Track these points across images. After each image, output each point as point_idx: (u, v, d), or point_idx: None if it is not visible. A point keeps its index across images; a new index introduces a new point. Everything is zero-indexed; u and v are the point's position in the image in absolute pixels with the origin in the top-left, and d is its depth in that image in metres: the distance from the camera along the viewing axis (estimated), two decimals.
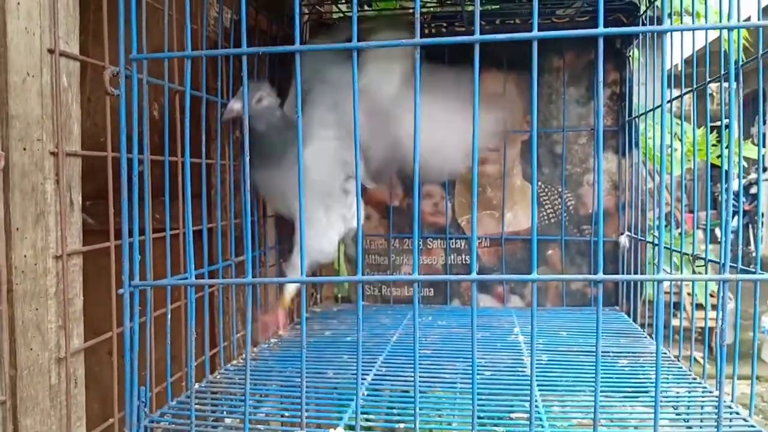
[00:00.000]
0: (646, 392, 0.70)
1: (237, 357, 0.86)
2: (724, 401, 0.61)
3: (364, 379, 0.74)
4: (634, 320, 1.08)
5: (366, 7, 1.31)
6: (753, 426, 0.60)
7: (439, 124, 0.85)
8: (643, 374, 0.78)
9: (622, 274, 1.15)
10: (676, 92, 0.88)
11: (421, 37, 0.51)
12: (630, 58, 1.16)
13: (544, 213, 1.21)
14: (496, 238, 1.20)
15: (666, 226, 1.23)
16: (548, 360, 0.83)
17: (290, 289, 0.90)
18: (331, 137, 0.89)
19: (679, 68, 0.82)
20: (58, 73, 0.55)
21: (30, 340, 0.52)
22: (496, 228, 1.20)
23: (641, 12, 1.09)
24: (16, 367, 0.51)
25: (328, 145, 0.88)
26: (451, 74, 0.89)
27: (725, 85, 0.66)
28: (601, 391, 0.66)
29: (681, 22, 1.27)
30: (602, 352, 0.87)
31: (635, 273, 1.11)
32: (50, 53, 0.54)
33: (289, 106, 0.90)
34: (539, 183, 1.20)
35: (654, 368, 0.52)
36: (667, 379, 0.77)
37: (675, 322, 0.90)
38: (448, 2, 1.14)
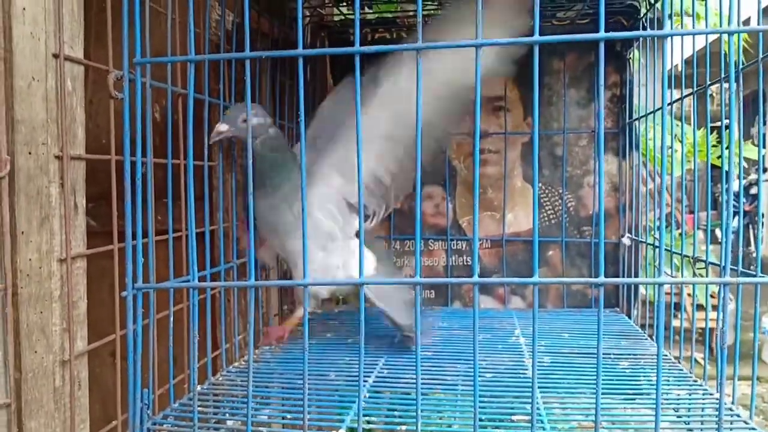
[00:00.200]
0: (647, 394, 0.70)
1: (239, 359, 0.86)
2: (725, 403, 0.62)
3: (366, 381, 0.74)
4: (634, 322, 1.09)
5: (367, 9, 1.31)
6: (754, 428, 0.60)
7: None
8: (644, 376, 0.78)
9: (623, 275, 1.15)
10: (676, 93, 0.88)
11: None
12: (630, 60, 1.17)
13: (545, 214, 1.21)
14: (497, 240, 1.21)
15: (666, 227, 1.24)
16: (549, 362, 0.83)
17: (299, 314, 0.86)
18: (336, 179, 0.83)
19: (680, 69, 0.82)
20: (63, 78, 0.55)
21: (34, 343, 0.53)
22: (497, 229, 1.21)
23: (641, 15, 1.09)
24: (21, 370, 0.51)
25: (332, 190, 0.83)
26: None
27: (725, 85, 0.66)
28: (602, 394, 0.67)
29: (681, 23, 1.27)
30: (603, 354, 0.87)
31: (636, 274, 1.12)
32: (55, 58, 0.55)
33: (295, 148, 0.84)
34: (540, 184, 1.21)
35: (655, 370, 0.52)
36: (668, 381, 0.77)
37: (675, 322, 0.90)
38: (449, 4, 1.14)
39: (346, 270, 0.85)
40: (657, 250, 0.88)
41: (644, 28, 1.07)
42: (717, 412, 0.56)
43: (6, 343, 0.50)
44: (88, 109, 0.68)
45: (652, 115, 1.01)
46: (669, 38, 0.54)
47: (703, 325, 0.89)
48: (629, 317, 1.11)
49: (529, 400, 0.52)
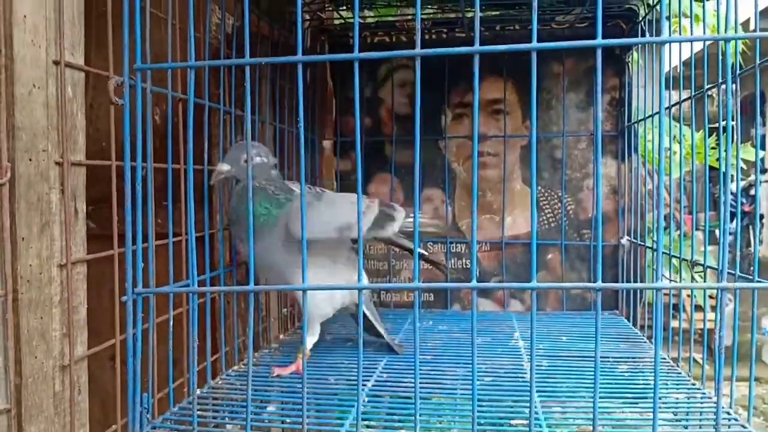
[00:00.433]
0: (646, 398, 0.71)
1: (238, 362, 0.86)
2: (723, 407, 0.62)
3: (365, 385, 0.74)
4: (634, 324, 1.09)
5: (367, 12, 1.31)
6: None
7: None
8: (643, 380, 0.78)
9: (622, 278, 1.15)
10: (675, 94, 0.89)
11: (421, 43, 0.52)
12: (629, 64, 1.17)
13: (544, 217, 1.21)
14: (497, 242, 1.21)
15: (665, 228, 1.24)
16: (548, 365, 0.84)
17: (309, 345, 0.83)
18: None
19: (680, 70, 0.83)
20: (64, 84, 0.55)
21: (35, 348, 0.53)
22: (497, 232, 1.21)
23: (640, 18, 1.09)
24: (21, 376, 0.51)
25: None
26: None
27: (723, 88, 0.66)
28: (601, 397, 0.67)
29: (680, 25, 1.27)
30: (602, 357, 0.87)
31: (635, 277, 1.12)
32: (56, 65, 0.55)
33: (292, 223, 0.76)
34: (539, 187, 1.21)
35: (654, 374, 0.52)
36: (667, 384, 0.77)
37: (675, 323, 0.90)
38: (448, 8, 1.14)
39: (351, 296, 0.85)
40: (656, 253, 0.88)
41: (643, 32, 1.07)
42: (715, 416, 0.56)
43: (6, 348, 0.50)
44: (89, 113, 0.68)
45: (651, 118, 1.01)
46: (666, 44, 0.54)
47: (702, 326, 0.89)
48: (629, 320, 1.11)
49: (528, 404, 0.52)
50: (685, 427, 0.66)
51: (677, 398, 0.73)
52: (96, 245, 0.63)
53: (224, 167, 0.74)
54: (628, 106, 1.16)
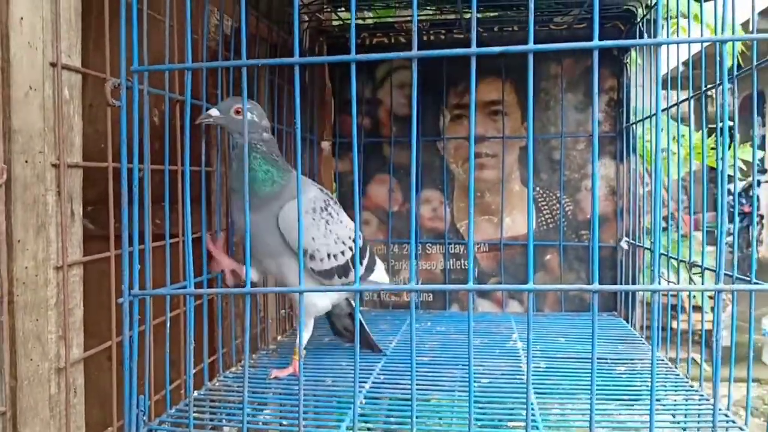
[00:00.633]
0: (644, 400, 0.70)
1: (236, 364, 0.86)
2: (720, 409, 0.62)
3: (363, 386, 0.74)
4: (632, 325, 1.09)
5: (366, 13, 1.31)
6: None
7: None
8: (641, 381, 0.78)
9: (621, 279, 1.15)
10: (673, 94, 0.88)
11: (419, 44, 0.51)
12: (627, 65, 1.17)
13: (543, 218, 1.21)
14: (495, 243, 1.21)
15: (664, 229, 1.24)
16: (546, 367, 0.84)
17: (304, 342, 0.82)
18: None
19: (678, 71, 0.83)
20: (60, 86, 0.55)
21: (30, 350, 0.53)
22: (495, 233, 1.21)
23: (638, 19, 1.09)
24: (17, 378, 0.51)
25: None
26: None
27: (720, 89, 0.66)
28: (599, 399, 0.67)
29: (677, 26, 1.27)
30: (600, 358, 0.87)
31: (634, 279, 1.12)
32: (52, 67, 0.55)
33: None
34: (537, 188, 1.21)
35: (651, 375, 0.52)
36: (665, 386, 0.77)
37: (674, 324, 0.90)
38: (447, 9, 1.14)
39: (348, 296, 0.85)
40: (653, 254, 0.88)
41: (641, 33, 1.07)
42: (713, 418, 0.56)
43: (1, 350, 0.50)
44: (88, 113, 0.68)
45: (649, 119, 1.01)
46: (663, 45, 0.54)
47: (701, 326, 0.89)
48: (627, 321, 1.11)
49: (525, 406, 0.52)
50: (684, 429, 0.66)
51: (675, 400, 0.73)
52: (96, 245, 0.63)
53: (214, 112, 0.72)
54: (627, 106, 1.16)
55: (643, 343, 0.96)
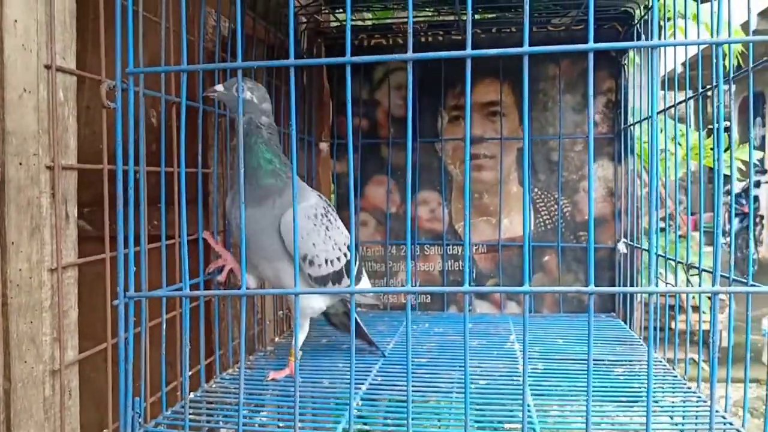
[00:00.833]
0: (641, 401, 0.70)
1: (233, 365, 0.86)
2: (718, 411, 0.61)
3: (359, 388, 0.74)
4: (630, 326, 1.09)
5: (364, 14, 1.31)
6: None
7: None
8: (639, 383, 0.78)
9: (619, 281, 1.15)
10: (671, 95, 0.88)
11: (417, 46, 0.51)
12: (625, 66, 1.17)
13: (541, 219, 1.21)
14: (493, 244, 1.21)
15: (662, 230, 1.23)
16: (544, 368, 0.83)
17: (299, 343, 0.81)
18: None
19: (675, 72, 0.83)
20: (55, 88, 0.55)
21: (24, 352, 0.53)
22: (493, 234, 1.21)
23: (636, 21, 1.09)
24: (11, 380, 0.51)
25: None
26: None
27: (722, 88, 0.66)
28: (596, 400, 0.67)
29: (674, 27, 1.27)
30: (598, 360, 0.87)
31: (632, 280, 1.12)
32: (47, 69, 0.55)
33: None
34: (535, 189, 1.21)
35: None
36: (662, 388, 0.77)
37: (672, 324, 0.90)
38: (445, 11, 1.14)
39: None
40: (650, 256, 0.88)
41: (639, 34, 1.07)
42: (709, 420, 0.56)
43: None
44: (85, 115, 0.68)
45: (647, 120, 1.01)
46: (660, 48, 0.54)
47: (699, 327, 0.89)
48: (625, 322, 1.11)
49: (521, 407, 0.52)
50: (681, 431, 0.66)
51: (673, 401, 0.73)
52: (92, 247, 0.63)
53: (219, 87, 0.72)
54: (625, 108, 1.16)
55: (642, 345, 0.96)
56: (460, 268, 1.22)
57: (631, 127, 1.12)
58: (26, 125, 0.53)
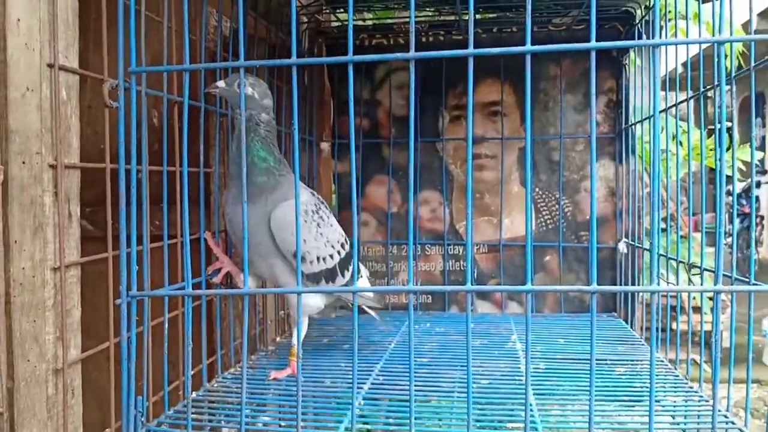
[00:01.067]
0: (643, 401, 0.70)
1: (234, 365, 0.86)
2: (720, 410, 0.61)
3: (361, 387, 0.74)
4: (632, 326, 1.09)
5: (365, 14, 1.32)
6: None
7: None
8: (641, 382, 0.78)
9: (620, 280, 1.15)
10: (672, 95, 0.88)
11: (418, 46, 0.51)
12: (626, 66, 1.17)
13: (542, 219, 1.21)
14: (494, 244, 1.21)
15: (663, 230, 1.23)
16: (545, 368, 0.83)
17: (296, 342, 0.81)
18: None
19: (676, 72, 0.83)
20: (58, 87, 0.55)
21: (27, 351, 0.53)
22: (494, 234, 1.21)
23: (637, 21, 1.09)
24: (14, 379, 0.51)
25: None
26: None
27: (718, 90, 0.66)
28: (598, 400, 0.67)
29: (676, 27, 1.27)
30: (599, 360, 0.87)
31: (633, 280, 1.12)
32: (50, 68, 0.55)
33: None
34: (536, 189, 1.21)
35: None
36: (664, 387, 0.77)
37: (674, 325, 0.90)
38: (446, 10, 1.14)
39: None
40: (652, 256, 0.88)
41: (640, 34, 1.07)
42: (712, 419, 0.56)
43: None
44: (87, 115, 0.68)
45: (648, 119, 1.01)
46: (661, 47, 0.54)
47: (701, 327, 0.89)
48: (627, 322, 1.11)
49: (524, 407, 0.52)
50: (683, 430, 0.66)
51: (675, 401, 0.73)
52: (94, 246, 0.63)
53: (220, 83, 0.73)
54: (626, 107, 1.16)
55: (643, 344, 0.96)
56: (461, 268, 1.22)
57: (632, 126, 1.13)
58: (29, 124, 0.53)
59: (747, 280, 0.64)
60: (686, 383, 0.77)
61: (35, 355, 0.53)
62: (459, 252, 1.23)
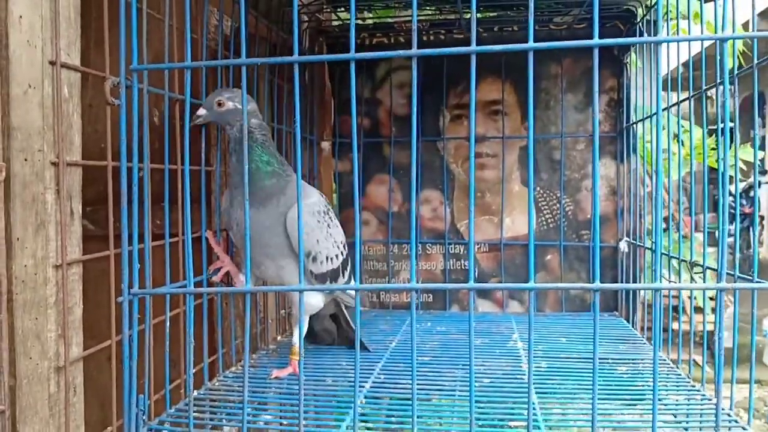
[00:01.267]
0: (645, 400, 0.70)
1: (236, 363, 0.86)
2: (723, 408, 0.61)
3: (363, 386, 0.74)
4: (633, 325, 1.09)
5: (366, 13, 1.31)
6: None
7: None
8: (642, 381, 0.78)
9: (622, 279, 1.15)
10: (673, 95, 0.88)
11: (419, 44, 0.51)
12: (627, 65, 1.17)
13: (543, 219, 1.21)
14: (496, 243, 1.21)
15: (665, 230, 1.23)
16: (547, 367, 0.83)
17: (296, 341, 0.80)
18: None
19: (678, 72, 0.83)
20: (60, 85, 0.55)
21: (29, 349, 0.53)
22: (495, 233, 1.21)
23: (638, 19, 1.09)
24: (16, 377, 0.51)
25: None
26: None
27: (720, 89, 0.66)
28: (600, 399, 0.66)
29: (677, 26, 1.27)
30: (601, 358, 0.87)
31: (635, 278, 1.12)
32: (52, 65, 0.55)
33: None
34: (537, 188, 1.21)
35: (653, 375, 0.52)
36: (666, 386, 0.77)
37: (675, 325, 0.90)
38: (447, 9, 1.14)
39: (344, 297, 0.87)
40: (655, 254, 0.88)
41: (641, 33, 1.07)
42: (715, 418, 0.56)
43: (0, 349, 0.50)
44: (88, 113, 0.68)
45: (650, 118, 1.01)
46: (663, 44, 0.54)
47: (702, 327, 0.89)
48: (628, 321, 1.11)
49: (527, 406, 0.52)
50: (686, 429, 0.66)
51: (677, 400, 0.73)
52: (95, 244, 0.63)
53: (201, 111, 0.72)
54: (627, 106, 1.16)
55: (645, 344, 0.96)
56: (462, 267, 1.22)
57: (634, 125, 1.12)
58: (31, 121, 0.53)
59: (750, 278, 0.64)
60: (688, 382, 0.77)
61: (37, 352, 0.53)
62: (460, 251, 1.23)
